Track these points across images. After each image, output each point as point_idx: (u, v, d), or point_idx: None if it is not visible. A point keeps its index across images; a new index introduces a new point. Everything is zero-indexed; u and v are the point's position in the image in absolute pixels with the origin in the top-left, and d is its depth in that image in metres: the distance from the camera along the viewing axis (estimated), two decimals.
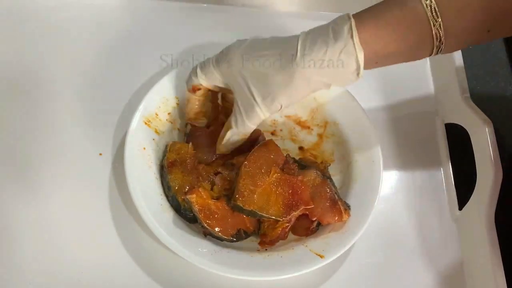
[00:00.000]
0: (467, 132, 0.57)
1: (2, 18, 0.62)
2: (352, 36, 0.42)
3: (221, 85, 0.50)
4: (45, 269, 0.50)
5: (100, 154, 0.56)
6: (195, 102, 0.53)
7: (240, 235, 0.51)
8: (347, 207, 0.53)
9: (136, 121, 0.54)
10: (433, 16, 0.41)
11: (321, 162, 0.57)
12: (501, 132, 0.55)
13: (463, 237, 0.57)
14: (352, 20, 0.43)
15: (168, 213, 0.51)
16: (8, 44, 0.61)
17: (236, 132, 0.50)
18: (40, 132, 0.57)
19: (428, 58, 0.68)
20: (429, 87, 0.67)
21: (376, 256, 0.55)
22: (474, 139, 0.56)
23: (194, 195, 0.50)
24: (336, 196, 0.53)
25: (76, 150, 0.56)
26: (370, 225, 0.52)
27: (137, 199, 0.50)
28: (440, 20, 0.41)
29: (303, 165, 0.55)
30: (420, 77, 0.67)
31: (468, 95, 0.59)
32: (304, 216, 0.52)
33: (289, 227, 0.52)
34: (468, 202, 0.56)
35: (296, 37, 0.44)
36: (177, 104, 0.57)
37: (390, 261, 0.55)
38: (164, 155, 0.55)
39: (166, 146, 0.55)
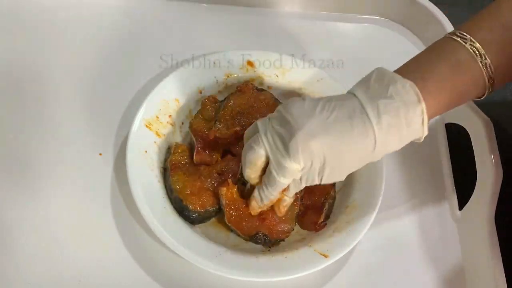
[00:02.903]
0: (467, 132, 0.57)
1: (2, 18, 0.62)
2: (423, 123, 0.42)
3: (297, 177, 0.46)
4: (45, 269, 0.50)
5: (100, 154, 0.56)
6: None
7: (257, 238, 0.51)
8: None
9: (137, 124, 0.54)
10: (481, 58, 0.42)
11: None
12: (501, 132, 0.55)
13: (463, 237, 0.57)
14: (423, 105, 0.41)
15: (171, 216, 0.51)
16: (8, 43, 0.61)
17: (265, 194, 0.48)
18: (40, 132, 0.57)
19: None
20: None
21: (376, 256, 0.55)
22: (474, 139, 0.56)
23: (225, 189, 0.51)
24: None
25: (76, 150, 0.56)
26: (371, 226, 0.52)
27: (142, 204, 0.50)
28: (488, 61, 0.42)
29: (260, 88, 0.58)
30: None
31: None
32: (311, 211, 0.53)
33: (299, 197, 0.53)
34: (468, 202, 0.56)
35: (369, 123, 0.42)
36: (178, 106, 0.57)
37: (390, 261, 0.55)
38: (166, 158, 0.55)
39: (169, 148, 0.55)
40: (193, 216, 0.52)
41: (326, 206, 0.54)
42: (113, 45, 0.63)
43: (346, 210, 0.54)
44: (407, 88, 0.41)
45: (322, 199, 0.54)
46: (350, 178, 0.56)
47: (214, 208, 0.52)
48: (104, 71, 0.61)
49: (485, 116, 0.55)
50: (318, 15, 0.69)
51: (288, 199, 0.50)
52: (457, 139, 0.62)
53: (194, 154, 0.54)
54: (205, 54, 0.58)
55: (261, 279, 0.49)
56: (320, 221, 0.53)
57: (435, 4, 0.66)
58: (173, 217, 0.51)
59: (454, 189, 0.59)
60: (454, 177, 0.60)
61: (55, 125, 0.57)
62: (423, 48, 0.66)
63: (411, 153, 0.61)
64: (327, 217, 0.54)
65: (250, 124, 0.50)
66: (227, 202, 0.51)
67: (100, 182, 0.55)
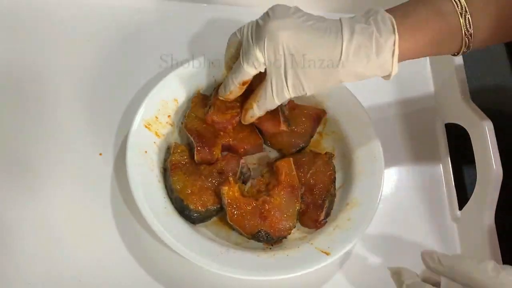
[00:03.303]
0: (467, 132, 0.57)
1: (2, 17, 0.62)
2: (393, 55, 0.44)
3: (261, 69, 0.48)
4: (45, 269, 0.50)
5: (101, 154, 0.56)
6: (239, 91, 0.52)
7: (258, 236, 0.51)
8: (288, 122, 0.56)
9: (137, 125, 0.54)
10: (462, 11, 0.44)
11: (325, 153, 0.57)
12: (501, 132, 0.55)
13: (463, 237, 0.57)
14: (396, 36, 0.43)
15: (172, 216, 0.51)
16: (8, 43, 0.61)
17: (262, 106, 0.50)
18: (40, 132, 0.57)
19: (428, 58, 0.68)
20: (429, 87, 0.67)
21: (376, 256, 0.55)
22: (474, 139, 0.56)
23: (226, 188, 0.51)
24: (279, 108, 0.54)
25: (76, 149, 0.56)
26: (371, 225, 0.52)
27: (142, 204, 0.50)
28: (469, 15, 0.44)
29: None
30: (420, 77, 0.67)
31: (468, 95, 0.59)
32: (312, 208, 0.54)
33: (238, 117, 0.54)
34: (468, 202, 0.56)
35: (340, 37, 0.44)
36: (177, 106, 0.57)
37: (390, 261, 0.54)
38: (166, 158, 0.55)
39: (168, 148, 0.55)
40: (194, 216, 0.52)
41: (327, 204, 0.54)
42: (113, 45, 0.63)
43: (347, 208, 0.54)
44: (385, 19, 0.44)
45: (322, 196, 0.54)
46: (350, 175, 0.56)
47: (215, 207, 0.52)
48: (104, 71, 0.61)
49: (485, 116, 0.55)
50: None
51: (256, 109, 0.51)
52: (457, 139, 0.62)
53: (195, 153, 0.54)
54: (205, 54, 0.58)
55: (263, 278, 0.49)
56: (320, 219, 0.53)
57: None
58: (174, 217, 0.51)
59: (454, 189, 0.59)
60: (454, 177, 0.60)
61: (55, 125, 0.57)
62: None
63: (411, 153, 0.61)
64: (328, 214, 0.54)
65: (244, 110, 0.53)
66: (229, 201, 0.51)
67: (100, 182, 0.55)
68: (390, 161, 0.60)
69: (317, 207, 0.53)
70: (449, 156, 0.61)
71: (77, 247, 0.51)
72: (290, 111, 0.59)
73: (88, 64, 0.61)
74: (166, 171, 0.54)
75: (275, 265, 0.49)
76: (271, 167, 0.56)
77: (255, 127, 0.57)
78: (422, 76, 0.67)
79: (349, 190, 0.55)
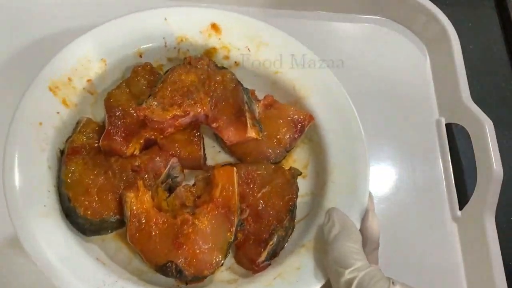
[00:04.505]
0: (467, 132, 0.57)
1: None
2: None
3: None
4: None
5: None
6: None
7: (166, 270, 0.37)
8: (259, 126, 0.41)
9: (37, 84, 0.39)
10: None
11: (290, 169, 0.45)
12: (501, 132, 0.55)
13: (464, 237, 0.57)
14: None
15: (52, 219, 0.37)
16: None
17: None
18: None
19: (428, 58, 0.68)
20: (429, 87, 0.67)
21: None
22: (474, 139, 0.56)
23: (133, 194, 0.38)
24: (246, 107, 0.41)
25: None
26: None
27: (12, 195, 0.36)
28: None
29: (220, 67, 0.44)
30: (420, 77, 0.67)
31: (468, 95, 0.59)
32: (253, 242, 0.40)
33: (180, 120, 0.40)
34: (469, 202, 0.56)
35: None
36: (104, 69, 0.43)
37: (391, 261, 0.55)
38: (69, 137, 0.41)
39: (77, 123, 0.42)
40: (81, 224, 0.38)
41: (274, 240, 0.41)
42: None
43: (301, 251, 0.41)
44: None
45: (271, 228, 0.41)
46: (319, 204, 0.44)
47: (115, 218, 0.39)
48: None
49: (485, 116, 0.55)
50: (318, 15, 0.69)
51: None
52: (457, 139, 0.62)
53: (102, 136, 0.40)
54: (160, 7, 0.45)
55: None
56: (260, 260, 0.40)
57: (435, 4, 0.66)
58: (54, 220, 0.37)
59: (455, 189, 0.59)
60: (454, 177, 0.60)
61: None
62: (423, 48, 0.67)
63: (411, 153, 0.61)
64: (274, 255, 0.42)
65: (194, 110, 0.39)
66: (134, 212, 0.37)
67: None
68: (390, 161, 0.60)
69: (259, 242, 0.40)
70: (449, 156, 0.61)
71: None
72: (264, 109, 0.45)
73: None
74: (63, 155, 0.40)
75: None
76: (209, 176, 0.42)
77: (201, 137, 0.43)
78: (422, 76, 0.67)
79: (312, 226, 0.42)
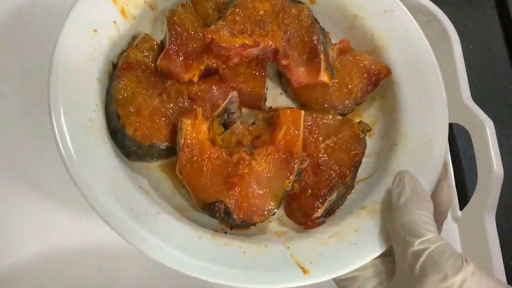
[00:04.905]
0: (467, 132, 0.57)
1: None
2: None
3: None
4: (45, 269, 0.50)
5: None
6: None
7: (214, 210, 0.34)
8: (331, 71, 0.38)
9: None
10: None
11: (359, 122, 0.40)
12: (501, 132, 0.55)
13: (463, 237, 0.57)
14: None
15: (95, 137, 0.33)
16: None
17: None
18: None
19: None
20: None
21: None
22: (474, 139, 0.56)
23: (190, 121, 0.34)
24: (322, 48, 0.37)
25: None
26: None
27: (56, 98, 0.32)
28: None
29: (296, 1, 0.39)
30: None
31: (469, 95, 0.59)
32: (309, 195, 0.37)
33: (246, 50, 0.35)
34: (469, 203, 0.56)
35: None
36: None
37: None
38: (123, 51, 0.37)
39: (134, 38, 0.38)
40: (128, 146, 0.35)
41: (333, 196, 0.38)
42: None
43: (360, 213, 0.38)
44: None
45: (331, 183, 0.38)
46: (386, 167, 0.40)
47: (165, 145, 0.36)
48: None
49: (486, 116, 0.55)
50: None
51: None
52: (457, 139, 0.62)
53: (161, 55, 0.37)
54: None
55: (189, 273, 0.33)
56: (316, 215, 0.38)
57: (436, 3, 0.66)
58: (99, 139, 0.33)
59: (455, 189, 0.59)
60: (454, 177, 0.60)
61: None
62: None
63: None
64: (329, 213, 0.39)
65: (264, 42, 0.35)
66: (187, 141, 0.34)
67: None
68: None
69: (317, 196, 0.38)
70: (449, 156, 0.61)
71: (76, 246, 0.51)
72: (338, 55, 0.41)
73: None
74: (116, 69, 0.36)
75: (213, 259, 0.32)
76: (271, 117, 0.38)
77: (265, 74, 0.38)
78: None
79: (374, 189, 0.39)
